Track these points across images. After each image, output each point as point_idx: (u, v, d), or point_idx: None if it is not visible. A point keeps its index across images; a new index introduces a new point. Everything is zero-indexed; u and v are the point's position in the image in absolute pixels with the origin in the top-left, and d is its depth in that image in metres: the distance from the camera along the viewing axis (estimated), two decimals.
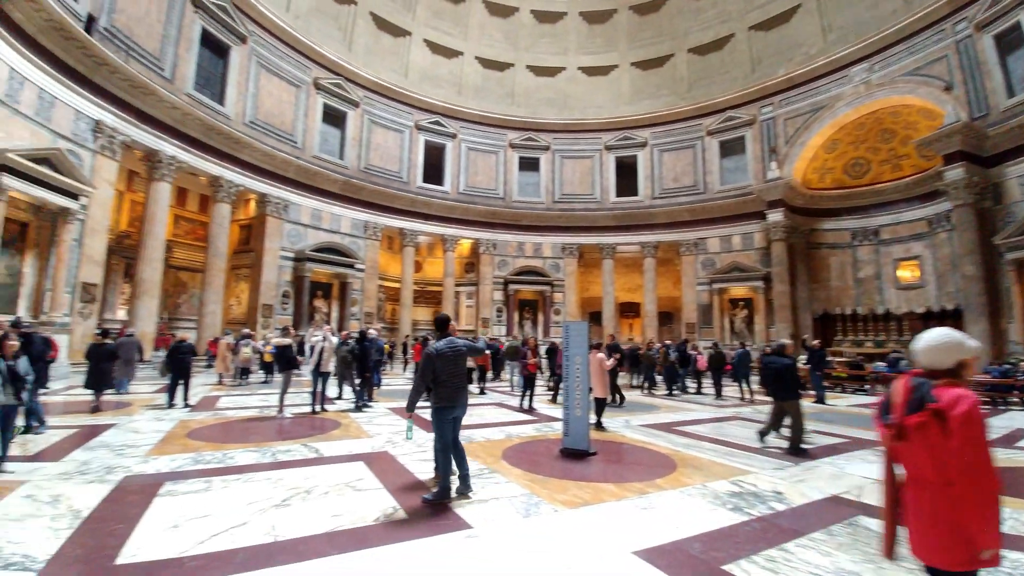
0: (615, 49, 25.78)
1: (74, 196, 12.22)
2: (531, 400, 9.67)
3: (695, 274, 23.84)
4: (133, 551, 3.06)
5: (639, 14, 25.10)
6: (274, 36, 19.23)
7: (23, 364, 4.87)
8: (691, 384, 13.88)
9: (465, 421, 8.07)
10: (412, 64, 23.99)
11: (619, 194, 25.83)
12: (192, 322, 18.51)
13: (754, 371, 12.28)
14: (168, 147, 15.39)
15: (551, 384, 11.58)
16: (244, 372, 12.68)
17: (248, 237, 19.74)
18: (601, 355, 7.96)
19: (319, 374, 8.62)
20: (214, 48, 17.35)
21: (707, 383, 13.70)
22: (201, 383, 11.87)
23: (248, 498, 4.08)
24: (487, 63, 25.63)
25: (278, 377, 9.76)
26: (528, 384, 9.71)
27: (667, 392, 13.26)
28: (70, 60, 12.39)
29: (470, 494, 4.25)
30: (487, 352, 13.08)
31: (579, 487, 4.64)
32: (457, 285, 25.18)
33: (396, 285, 24.23)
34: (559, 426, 7.52)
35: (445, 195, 24.53)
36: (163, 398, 8.85)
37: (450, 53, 24.87)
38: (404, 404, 7.64)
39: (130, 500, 3.95)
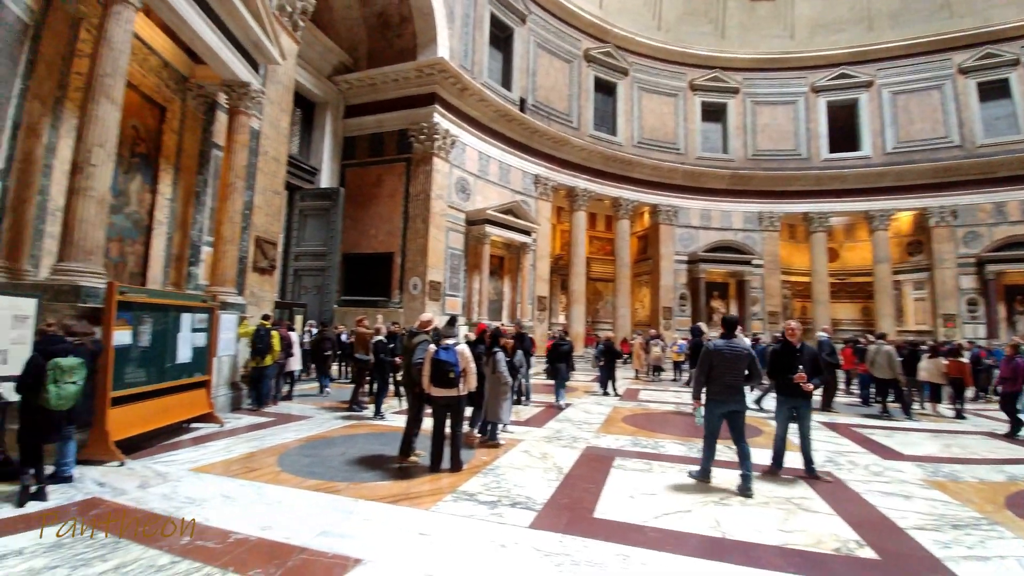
0: None
1: (528, 233, 16.58)
2: None
3: None
4: (604, 509, 3.62)
5: None
6: (650, 58, 20.61)
7: (519, 357, 6.79)
8: None
9: (939, 453, 6.04)
10: (798, 19, 20.66)
11: None
12: (608, 324, 21.76)
13: None
14: (580, 182, 18.83)
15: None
16: (656, 369, 13.75)
17: (645, 246, 21.69)
18: None
19: None
20: (604, 90, 20.18)
21: None
22: (621, 376, 13.62)
23: (685, 487, 4.21)
24: None
25: (685, 376, 10.00)
26: None
27: None
28: (514, 135, 16.95)
29: (749, 495, 4.03)
30: (964, 361, 9.35)
31: None
32: (896, 272, 19.58)
33: (804, 279, 21.05)
34: None
35: (864, 161, 19.66)
36: (597, 386, 10.61)
37: None
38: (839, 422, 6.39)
39: (593, 466, 4.77)
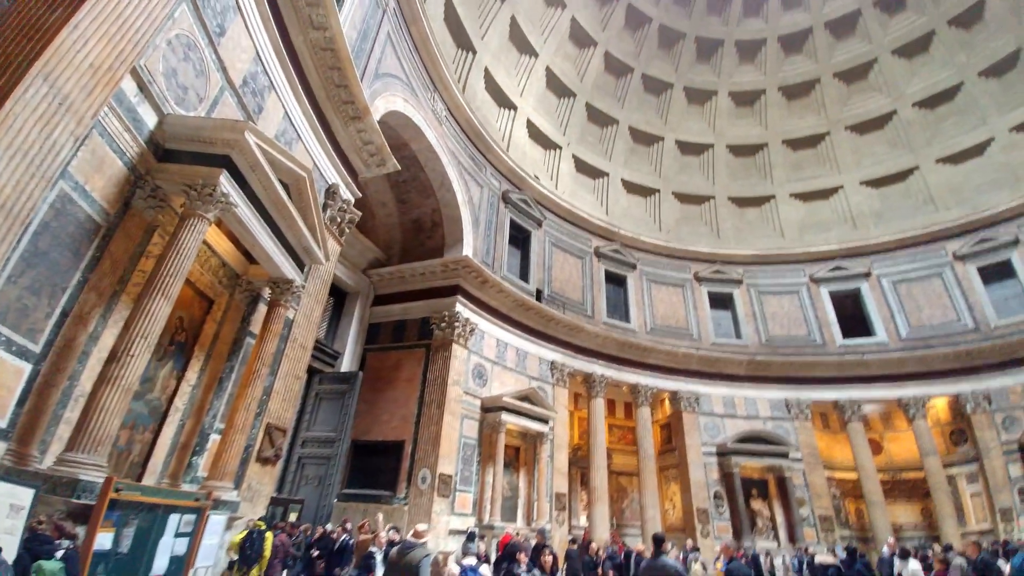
0: None
1: (545, 421, 15.94)
2: None
3: None
4: None
5: None
6: (656, 254, 22.54)
7: None
8: None
9: None
10: (785, 222, 23.03)
11: None
12: (635, 528, 19.23)
13: None
14: (597, 368, 18.83)
15: None
16: None
17: (669, 436, 20.47)
18: None
19: None
20: (615, 281, 21.66)
21: None
22: None
23: None
24: (879, 182, 22.04)
25: None
26: None
27: None
28: (531, 323, 17.57)
29: None
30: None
31: None
32: (946, 465, 17.84)
33: (851, 475, 19.10)
34: None
35: (882, 347, 19.49)
36: None
37: (826, 193, 22.85)
38: None
39: None
